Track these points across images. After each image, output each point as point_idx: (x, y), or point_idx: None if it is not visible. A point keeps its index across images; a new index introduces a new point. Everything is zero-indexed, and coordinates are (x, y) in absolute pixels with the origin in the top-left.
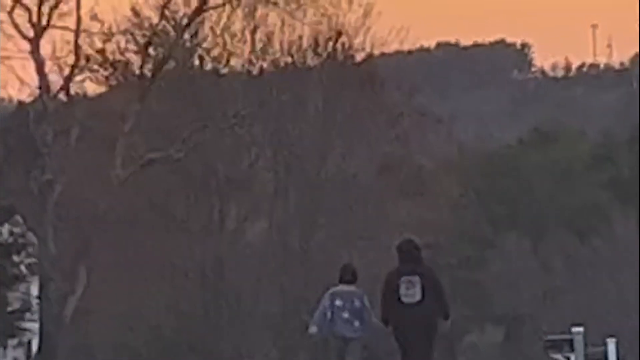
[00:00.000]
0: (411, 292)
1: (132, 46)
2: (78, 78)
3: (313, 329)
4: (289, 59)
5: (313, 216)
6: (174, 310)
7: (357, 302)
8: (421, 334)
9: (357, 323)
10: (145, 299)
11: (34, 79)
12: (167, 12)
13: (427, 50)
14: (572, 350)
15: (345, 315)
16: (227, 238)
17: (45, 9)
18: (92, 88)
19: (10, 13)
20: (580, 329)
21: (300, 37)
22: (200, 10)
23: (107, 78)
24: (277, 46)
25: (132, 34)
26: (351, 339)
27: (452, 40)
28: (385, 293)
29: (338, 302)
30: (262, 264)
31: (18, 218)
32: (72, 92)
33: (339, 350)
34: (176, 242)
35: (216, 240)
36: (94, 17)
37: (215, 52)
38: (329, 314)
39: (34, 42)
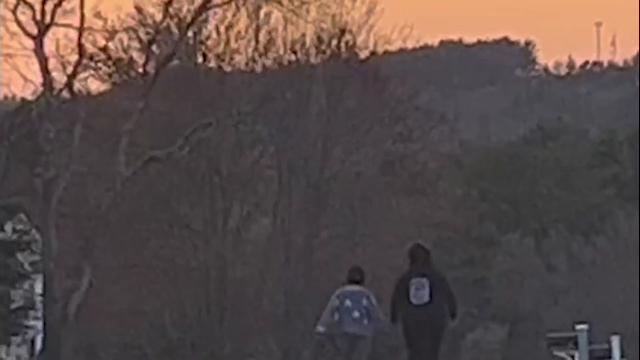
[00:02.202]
0: (420, 293)
1: (135, 44)
2: (81, 76)
3: (320, 329)
4: (293, 57)
5: (317, 214)
6: (177, 309)
7: (364, 300)
8: (429, 333)
9: (366, 321)
10: (148, 297)
11: (37, 77)
12: (170, 10)
13: (431, 48)
14: (576, 347)
15: (356, 314)
16: (231, 236)
17: (49, 6)
18: (96, 86)
19: (13, 10)
20: (585, 326)
21: (304, 35)
22: (203, 7)
23: (110, 76)
24: (280, 44)
25: (135, 32)
26: (361, 336)
27: (456, 38)
28: (395, 294)
29: (348, 303)
30: (265, 263)
31: (22, 216)
32: (75, 89)
33: (347, 349)
34: (179, 240)
35: (219, 238)
36: (98, 15)
37: (218, 50)
38: (336, 315)
39: (38, 40)
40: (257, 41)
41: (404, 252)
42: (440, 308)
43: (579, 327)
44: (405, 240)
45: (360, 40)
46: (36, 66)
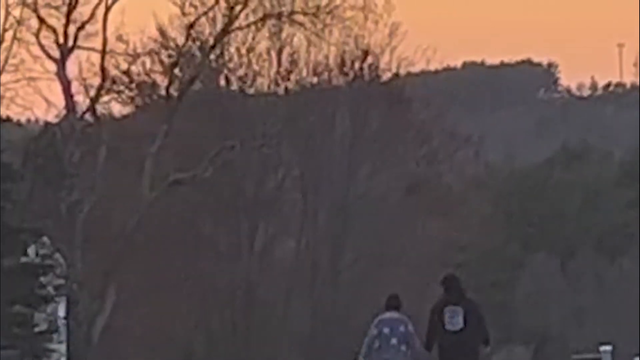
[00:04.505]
0: (455, 320)
1: (158, 67)
2: (104, 99)
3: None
4: (315, 79)
5: (341, 236)
6: (203, 331)
7: (402, 327)
8: (464, 357)
9: (403, 347)
10: (174, 319)
11: (60, 100)
12: (193, 33)
13: (454, 69)
14: None
15: (394, 341)
16: (256, 258)
17: (72, 30)
18: (119, 109)
19: (36, 34)
20: (609, 347)
21: (327, 57)
22: (226, 30)
23: (133, 99)
24: (303, 66)
25: (158, 55)
26: None
27: (479, 59)
28: (431, 322)
29: (386, 330)
30: (291, 284)
31: (45, 239)
32: (98, 113)
33: None
34: (205, 262)
35: (245, 259)
36: (120, 38)
37: (241, 72)
38: (377, 343)
39: (60, 63)
40: (279, 64)
41: (430, 274)
42: (474, 334)
43: (603, 348)
44: (431, 262)
45: (383, 62)
46: (59, 89)
